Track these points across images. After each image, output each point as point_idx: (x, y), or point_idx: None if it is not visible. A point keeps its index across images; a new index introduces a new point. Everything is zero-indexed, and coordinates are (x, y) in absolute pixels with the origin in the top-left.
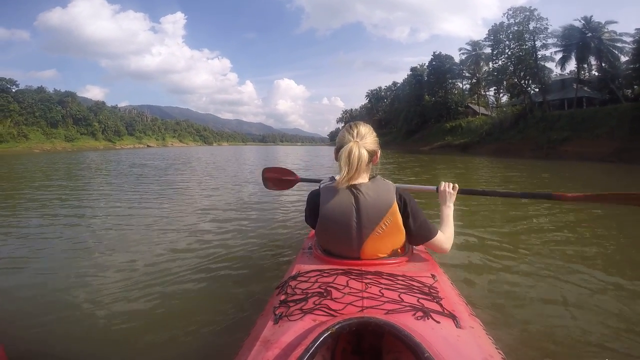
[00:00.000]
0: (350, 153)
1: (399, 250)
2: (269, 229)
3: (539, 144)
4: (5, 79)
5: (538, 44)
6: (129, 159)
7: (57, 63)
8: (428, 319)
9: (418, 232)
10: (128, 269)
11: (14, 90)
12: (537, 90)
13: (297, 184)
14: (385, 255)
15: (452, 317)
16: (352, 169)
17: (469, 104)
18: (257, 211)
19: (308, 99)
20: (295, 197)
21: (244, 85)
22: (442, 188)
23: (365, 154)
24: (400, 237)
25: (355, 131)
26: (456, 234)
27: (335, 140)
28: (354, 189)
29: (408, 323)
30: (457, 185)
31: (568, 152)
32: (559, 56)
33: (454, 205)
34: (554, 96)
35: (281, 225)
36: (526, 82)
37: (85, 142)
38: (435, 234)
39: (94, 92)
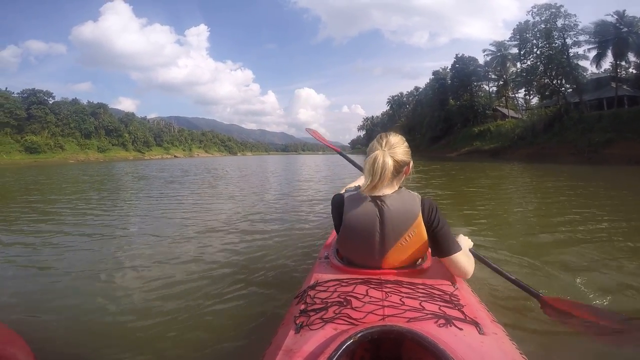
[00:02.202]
0: (375, 161)
1: (420, 259)
2: (285, 238)
3: (579, 148)
4: (43, 91)
5: (569, 41)
6: (165, 170)
7: (92, 76)
8: (451, 326)
9: (442, 241)
10: (148, 277)
11: (50, 102)
12: (570, 90)
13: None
14: (407, 265)
15: (475, 323)
16: (375, 177)
17: (497, 107)
18: (271, 222)
19: (328, 108)
20: (310, 206)
21: (266, 96)
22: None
23: (390, 163)
24: (424, 247)
25: (385, 140)
26: (473, 239)
27: (366, 149)
28: (378, 200)
29: (430, 330)
30: (467, 237)
31: (614, 155)
32: (592, 54)
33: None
34: (590, 96)
35: (297, 234)
36: (559, 81)
37: (117, 153)
38: (459, 250)
39: (126, 104)
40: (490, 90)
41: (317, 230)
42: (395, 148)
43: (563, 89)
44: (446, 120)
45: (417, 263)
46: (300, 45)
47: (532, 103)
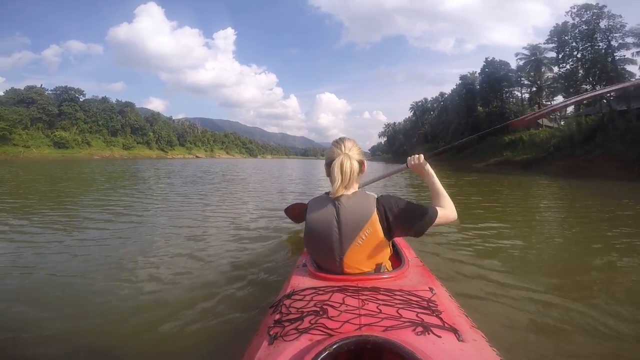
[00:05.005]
0: (342, 164)
1: (386, 264)
2: (264, 247)
3: (628, 161)
4: (74, 88)
5: (614, 43)
6: (185, 169)
7: (125, 76)
8: (429, 333)
9: (417, 221)
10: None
11: (81, 99)
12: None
13: None
14: (369, 270)
15: (454, 330)
16: (345, 179)
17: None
18: (251, 230)
19: (349, 113)
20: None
21: (289, 100)
22: (412, 163)
23: (356, 165)
24: (382, 249)
25: (343, 145)
26: (450, 244)
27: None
28: (336, 201)
29: (408, 339)
30: (421, 154)
31: None
32: None
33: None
34: (637, 104)
35: (276, 242)
36: (602, 87)
37: (141, 151)
38: (435, 212)
39: (155, 104)
40: (522, 96)
41: (298, 239)
42: (353, 150)
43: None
44: (474, 127)
45: (385, 268)
46: (322, 50)
47: (568, 111)
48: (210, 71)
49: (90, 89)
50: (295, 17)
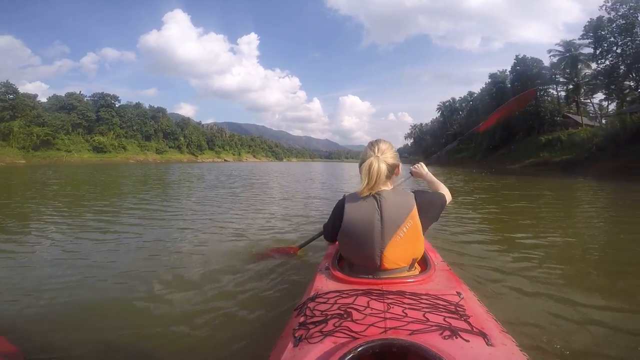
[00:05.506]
0: (370, 166)
1: (420, 264)
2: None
3: None
4: (110, 95)
5: None
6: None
7: (157, 82)
8: (456, 337)
9: (438, 208)
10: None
11: (117, 105)
12: None
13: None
14: (405, 265)
15: (482, 335)
16: (371, 180)
17: (568, 114)
18: (274, 232)
19: (373, 115)
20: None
21: (312, 103)
22: (415, 171)
23: (384, 167)
24: (419, 244)
25: (377, 147)
26: (478, 247)
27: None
28: (377, 195)
29: (435, 343)
30: (422, 163)
31: None
32: None
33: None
34: None
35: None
36: None
37: (172, 155)
38: (445, 198)
39: (186, 109)
40: (558, 94)
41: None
42: (386, 153)
43: None
44: (506, 128)
45: (417, 269)
46: (344, 53)
47: (609, 109)
48: (236, 76)
49: (125, 95)
50: (315, 21)
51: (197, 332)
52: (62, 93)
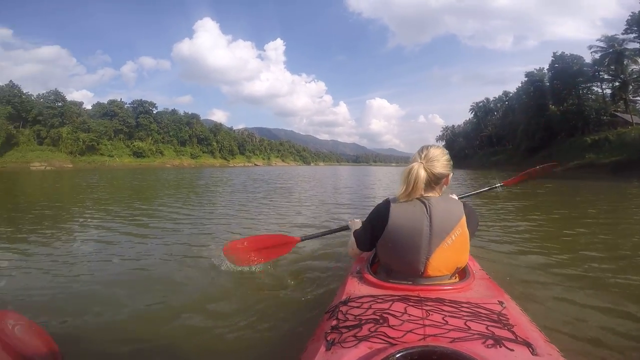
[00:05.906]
0: (410, 172)
1: (459, 272)
2: (317, 250)
3: None
4: (148, 102)
5: None
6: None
7: (191, 89)
8: (500, 346)
9: (476, 225)
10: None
11: (154, 112)
12: None
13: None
14: (448, 273)
15: (527, 344)
16: (409, 186)
17: (615, 112)
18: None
19: (402, 118)
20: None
21: (338, 107)
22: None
23: (423, 174)
24: (465, 254)
25: (425, 153)
26: (521, 257)
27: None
28: (425, 200)
29: (478, 351)
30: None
31: None
32: None
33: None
34: None
35: (326, 245)
36: None
37: (206, 160)
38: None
39: (218, 115)
40: (604, 92)
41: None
42: (434, 161)
43: None
44: (546, 128)
45: (457, 278)
46: (369, 55)
47: None
48: (264, 82)
49: (162, 102)
50: (338, 25)
51: (226, 332)
52: (104, 100)
